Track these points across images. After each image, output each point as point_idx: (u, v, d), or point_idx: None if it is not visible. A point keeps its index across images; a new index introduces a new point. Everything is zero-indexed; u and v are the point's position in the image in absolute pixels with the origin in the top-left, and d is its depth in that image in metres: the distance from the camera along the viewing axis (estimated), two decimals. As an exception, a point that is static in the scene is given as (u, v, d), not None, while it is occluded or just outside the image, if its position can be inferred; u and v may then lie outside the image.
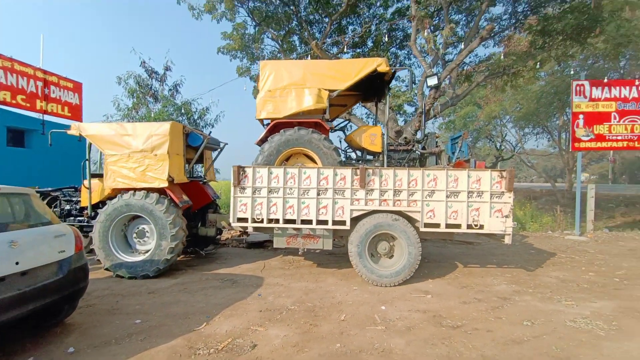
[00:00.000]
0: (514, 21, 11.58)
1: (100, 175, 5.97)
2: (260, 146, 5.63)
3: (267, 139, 5.43)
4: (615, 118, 8.66)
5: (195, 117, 11.27)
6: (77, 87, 9.21)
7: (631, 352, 2.85)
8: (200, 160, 6.45)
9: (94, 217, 5.70)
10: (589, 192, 9.12)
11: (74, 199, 6.04)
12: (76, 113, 9.18)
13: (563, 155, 20.72)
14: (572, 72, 12.65)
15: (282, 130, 5.35)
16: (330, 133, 5.69)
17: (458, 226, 4.64)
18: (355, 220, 4.83)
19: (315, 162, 5.42)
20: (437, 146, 5.98)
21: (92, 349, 3.06)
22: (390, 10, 13.01)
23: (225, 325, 3.51)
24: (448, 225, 4.64)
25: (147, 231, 5.42)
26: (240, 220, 5.01)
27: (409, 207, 4.69)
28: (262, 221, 4.94)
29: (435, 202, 4.65)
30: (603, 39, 9.76)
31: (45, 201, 6.04)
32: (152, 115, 10.01)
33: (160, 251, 5.12)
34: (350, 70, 5.42)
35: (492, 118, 24.85)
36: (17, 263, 2.77)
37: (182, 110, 10.58)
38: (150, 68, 11.20)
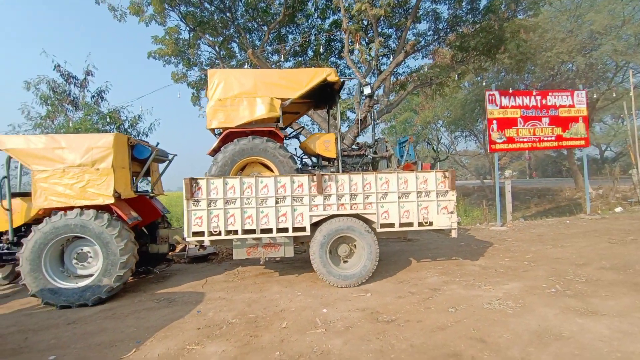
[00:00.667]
0: (436, 37, 12.86)
1: (22, 194, 5.24)
2: (212, 156, 5.46)
3: (220, 149, 5.27)
4: (520, 123, 10.07)
5: (126, 126, 10.35)
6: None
7: (530, 325, 3.33)
8: (147, 173, 6.01)
9: (16, 243, 4.97)
10: (506, 187, 10.42)
11: None
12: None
13: (488, 155, 23.41)
14: (484, 83, 14.44)
15: (235, 140, 5.23)
16: (284, 141, 5.70)
17: (410, 224, 4.99)
18: (315, 226, 4.92)
19: (272, 171, 5.41)
20: (387, 150, 6.36)
21: (-12, 399, 2.62)
22: (328, 21, 13.54)
23: (158, 349, 3.27)
24: (402, 224, 4.98)
25: (90, 254, 4.85)
26: (195, 234, 4.77)
27: (365, 209, 4.93)
28: (219, 233, 4.76)
29: (389, 203, 4.96)
30: (508, 56, 11.34)
31: None
32: (71, 124, 8.94)
33: (106, 278, 4.62)
34: (302, 79, 5.53)
35: (427, 123, 27.15)
36: None
37: (109, 119, 9.63)
38: (66, 72, 10.01)
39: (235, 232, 4.83)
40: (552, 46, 13.82)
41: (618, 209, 11.08)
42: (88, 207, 4.71)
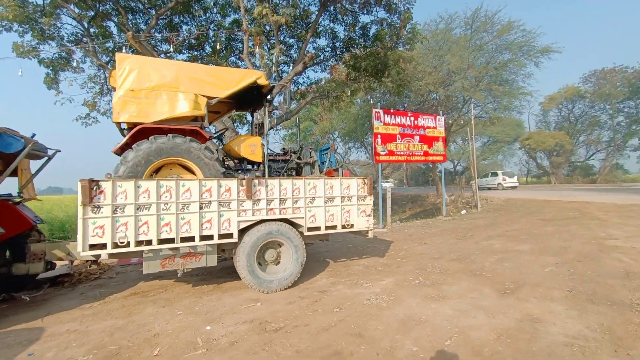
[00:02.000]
0: (334, 54, 13.90)
1: None
2: (119, 155, 4.60)
3: (132, 147, 4.41)
4: (399, 139, 11.72)
5: None
6: None
7: (398, 315, 3.78)
8: (15, 172, 4.67)
9: None
10: (387, 193, 11.88)
11: None
12: None
13: (374, 165, 26.52)
14: (371, 102, 16.44)
15: (152, 137, 4.47)
16: (207, 142, 5.09)
17: (334, 227, 5.22)
18: (242, 232, 4.61)
19: (194, 174, 4.78)
20: (311, 156, 6.38)
21: None
22: (229, 19, 13.00)
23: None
24: (327, 227, 5.15)
25: None
26: (93, 247, 3.83)
27: (294, 214, 4.91)
28: (128, 244, 3.94)
29: (316, 207, 5.07)
30: (390, 80, 13.14)
31: None
32: None
33: None
34: (231, 79, 5.23)
35: (325, 133, 28.99)
36: None
37: None
38: None
39: (149, 242, 4.09)
40: (422, 77, 16.74)
41: (463, 212, 14.07)
42: None
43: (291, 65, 13.57)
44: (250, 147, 5.73)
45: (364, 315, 3.80)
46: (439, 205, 14.39)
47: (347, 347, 3.10)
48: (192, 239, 4.35)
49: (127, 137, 4.63)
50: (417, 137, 12.12)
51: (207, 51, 13.30)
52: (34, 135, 4.75)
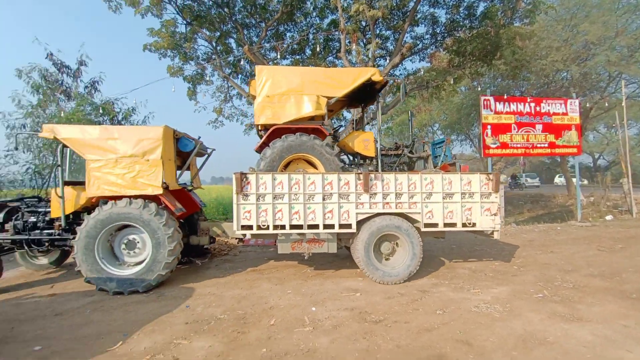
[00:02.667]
0: (434, 41, 12.93)
1: (72, 183, 5.37)
2: (259, 152, 5.55)
3: (269, 145, 5.32)
4: (514, 129, 10.18)
5: (120, 118, 10.24)
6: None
7: (516, 329, 3.37)
8: (187, 166, 6.04)
9: (67, 229, 5.13)
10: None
11: (40, 209, 5.36)
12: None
13: (482, 159, 23.67)
14: (479, 89, 14.58)
15: (284, 136, 5.30)
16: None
17: (454, 225, 5.07)
18: (360, 223, 4.95)
19: (316, 168, 5.47)
20: (424, 151, 6.35)
21: (-32, 391, 2.58)
22: (326, 21, 13.54)
23: (144, 342, 3.26)
24: (445, 225, 5.06)
25: (137, 242, 4.93)
26: (244, 227, 4.83)
27: (410, 209, 5.00)
28: (267, 227, 4.81)
29: (433, 203, 5.04)
30: (503, 62, 11.45)
31: (2, 213, 5.35)
32: (63, 114, 8.82)
33: (155, 266, 4.72)
34: (347, 78, 5.60)
35: (423, 126, 27.33)
36: None
37: (102, 110, 9.52)
38: (59, 61, 9.87)
39: (282, 226, 4.87)
40: (547, 54, 13.98)
41: (609, 217, 11.28)
42: (135, 197, 4.80)
43: (388, 58, 13.26)
44: (363, 142, 5.91)
45: (471, 323, 3.54)
46: (571, 208, 11.90)
47: (452, 352, 2.97)
48: (316, 226, 4.90)
49: (264, 137, 5.49)
50: (539, 127, 10.28)
51: (307, 54, 14.21)
52: (199, 137, 5.93)
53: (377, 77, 5.55)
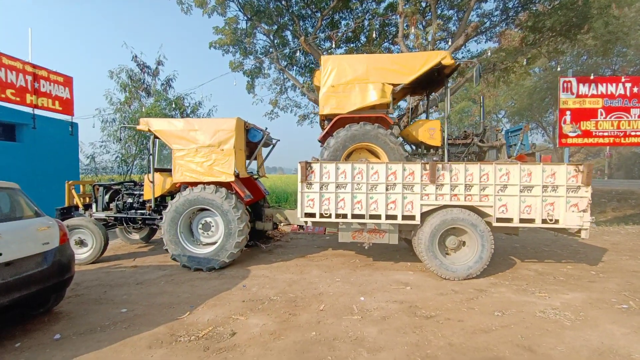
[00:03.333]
0: (505, 17, 11.61)
1: (160, 170, 6.23)
2: (321, 142, 5.77)
3: (332, 135, 5.45)
4: (602, 114, 8.77)
5: (188, 112, 11.28)
6: (68, 81, 9.20)
7: (591, 341, 2.99)
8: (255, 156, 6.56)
9: (156, 210, 6.02)
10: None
11: (135, 192, 6.33)
12: (67, 107, 9.19)
13: (557, 150, 20.91)
14: (559, 69, 12.73)
15: (347, 126, 5.38)
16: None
17: (532, 221, 4.61)
18: (424, 215, 4.82)
19: (378, 157, 5.51)
20: (497, 139, 5.95)
21: (77, 336, 3.17)
22: (383, 5, 13.00)
23: (207, 315, 3.63)
24: (522, 220, 4.62)
25: (212, 224, 5.56)
26: (307, 215, 5.07)
27: (481, 201, 4.69)
28: (329, 216, 4.99)
29: (508, 196, 4.63)
30: (592, 36, 9.83)
31: (108, 194, 6.40)
32: (144, 109, 10.03)
33: (227, 245, 5.28)
34: (414, 63, 5.36)
35: (486, 113, 25.00)
36: (0, 254, 2.86)
37: (174, 105, 10.59)
38: (142, 62, 11.20)
39: (344, 215, 4.99)
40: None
41: None
42: (208, 183, 5.37)
43: (450, 40, 12.31)
44: (429, 131, 5.65)
45: (535, 328, 3.24)
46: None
47: (511, 357, 2.76)
48: (378, 217, 4.89)
49: (328, 127, 5.57)
50: (635, 111, 8.69)
51: (362, 42, 13.88)
52: (266, 128, 6.24)
53: (447, 61, 5.20)
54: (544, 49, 11.16)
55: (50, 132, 8.74)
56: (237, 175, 5.37)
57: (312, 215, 4.97)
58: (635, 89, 8.71)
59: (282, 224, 6.29)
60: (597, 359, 2.72)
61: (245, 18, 12.00)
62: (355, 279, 4.82)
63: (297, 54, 11.57)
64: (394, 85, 5.32)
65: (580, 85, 8.77)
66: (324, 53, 12.54)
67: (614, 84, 8.75)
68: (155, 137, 5.75)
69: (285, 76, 14.16)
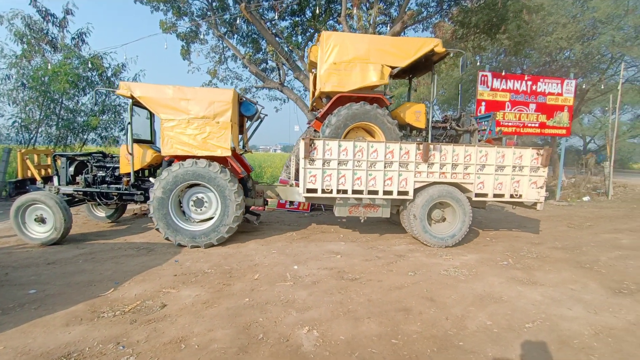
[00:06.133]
0: (439, 9, 12.44)
1: (140, 141, 5.52)
2: (320, 119, 5.70)
3: (333, 113, 5.40)
4: (508, 107, 10.21)
5: (109, 74, 9.91)
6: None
7: (476, 290, 3.70)
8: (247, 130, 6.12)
9: (135, 185, 5.36)
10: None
11: (108, 165, 5.57)
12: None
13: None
14: (478, 64, 14.29)
15: (349, 104, 5.37)
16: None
17: (502, 195, 5.35)
18: (417, 191, 5.25)
19: (373, 136, 5.63)
20: (471, 124, 6.39)
21: (-30, 322, 2.81)
22: (330, -20, 12.80)
23: (135, 290, 3.50)
24: (495, 195, 5.32)
25: (205, 200, 5.15)
26: (309, 190, 5.07)
27: (464, 179, 5.25)
28: (331, 192, 5.06)
29: (485, 175, 5.28)
30: (507, 36, 11.17)
31: (73, 167, 5.55)
32: (50, 67, 8.50)
33: (225, 219, 4.99)
34: (410, 48, 5.48)
35: (420, 99, 26.99)
36: None
37: (91, 65, 9.18)
38: (44, 9, 9.31)
39: (345, 191, 5.11)
40: (552, 31, 13.63)
41: (586, 198, 11.70)
42: (198, 157, 4.96)
43: (390, 25, 12.79)
44: (415, 114, 5.95)
45: (438, 284, 3.86)
46: (553, 188, 12.26)
47: (416, 306, 3.28)
48: (375, 192, 5.16)
49: (328, 104, 5.55)
50: (532, 106, 10.31)
51: (307, 16, 13.59)
52: (257, 102, 5.84)
53: (439, 49, 5.48)
54: (469, 44, 12.32)
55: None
56: (233, 150, 5.13)
57: (314, 190, 5.09)
58: (534, 87, 10.28)
59: (271, 199, 6.22)
60: (478, 302, 3.39)
61: (179, -27, 10.77)
62: (291, 250, 5.05)
63: (238, 21, 10.87)
64: (392, 67, 5.50)
65: (495, 79, 10.03)
66: (267, 24, 12.02)
67: (520, 81, 10.20)
68: (135, 103, 5.10)
69: (225, 44, 13.26)
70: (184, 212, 5.28)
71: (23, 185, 5.58)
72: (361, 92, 5.50)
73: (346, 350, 2.54)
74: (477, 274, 4.19)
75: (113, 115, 10.27)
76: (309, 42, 14.00)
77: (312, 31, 13.69)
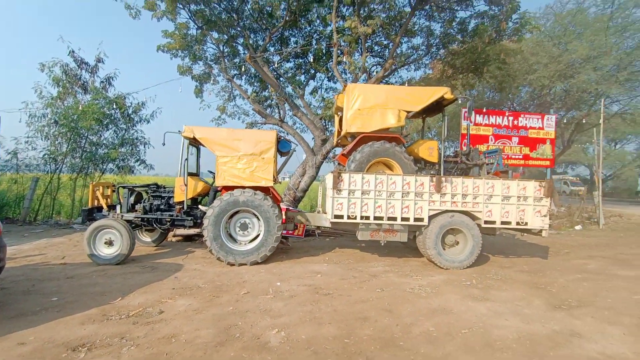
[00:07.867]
0: (427, 51, 13.67)
1: (191, 174, 6.50)
2: (346, 155, 6.73)
3: (357, 150, 6.38)
4: (492, 140, 10.94)
5: (130, 112, 11.17)
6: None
7: (432, 304, 4.21)
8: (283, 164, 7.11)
9: (187, 212, 6.28)
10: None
11: (162, 194, 6.51)
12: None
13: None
14: (460, 101, 15.26)
15: (370, 143, 6.34)
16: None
17: (509, 223, 5.94)
18: (431, 218, 5.90)
19: (392, 170, 6.50)
20: (479, 159, 7.12)
21: (7, 320, 3.49)
22: (330, 27, 14.31)
23: (138, 299, 4.15)
24: (502, 223, 5.92)
25: (249, 224, 6.08)
26: (336, 217, 5.85)
27: (473, 208, 5.89)
28: (355, 218, 5.82)
29: (493, 204, 5.92)
30: (490, 76, 12.17)
31: (132, 196, 6.50)
32: (81, 107, 9.75)
33: (268, 239, 5.85)
34: (423, 95, 6.42)
35: (418, 131, 27.99)
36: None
37: (115, 104, 10.45)
38: (80, 58, 10.81)
39: (367, 217, 5.83)
40: (535, 70, 14.65)
41: (578, 227, 11.96)
42: (244, 188, 5.91)
43: (381, 67, 14.02)
44: (428, 150, 6.80)
45: (400, 299, 4.39)
46: (546, 217, 12.54)
47: (374, 316, 3.82)
48: (394, 219, 5.89)
49: (353, 143, 6.56)
50: (515, 139, 11.03)
51: (309, 59, 15.01)
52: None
53: (448, 96, 6.42)
54: (459, 81, 13.37)
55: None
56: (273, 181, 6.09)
57: (341, 217, 5.86)
58: (515, 122, 11.06)
59: (301, 224, 7.04)
60: (429, 313, 3.91)
61: (196, 26, 12.33)
62: (278, 270, 5.66)
63: (247, 64, 12.18)
64: (407, 111, 6.45)
65: (477, 115, 10.87)
66: (271, 67, 13.37)
67: (501, 117, 11.02)
68: (191, 143, 6.21)
69: (232, 86, 14.65)
70: (230, 235, 6.10)
71: (91, 213, 6.37)
72: (381, 132, 6.41)
73: (304, 346, 3.11)
74: (439, 292, 4.70)
75: (130, 148, 11.41)
76: (310, 81, 15.32)
77: (312, 72, 15.04)
